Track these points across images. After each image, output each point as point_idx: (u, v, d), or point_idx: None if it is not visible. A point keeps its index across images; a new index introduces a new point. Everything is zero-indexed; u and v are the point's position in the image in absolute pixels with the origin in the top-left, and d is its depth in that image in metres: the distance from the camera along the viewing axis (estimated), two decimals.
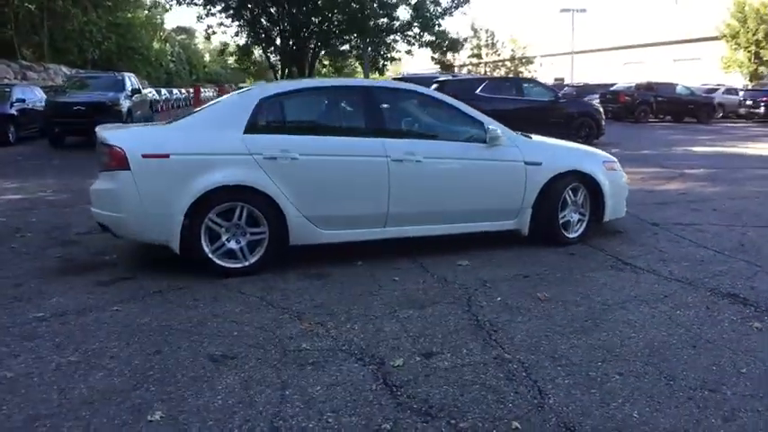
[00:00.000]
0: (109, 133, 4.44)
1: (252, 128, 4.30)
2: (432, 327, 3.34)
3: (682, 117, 23.03)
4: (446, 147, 4.68)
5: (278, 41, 14.77)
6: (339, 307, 3.65)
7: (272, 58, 16.59)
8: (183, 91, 44.30)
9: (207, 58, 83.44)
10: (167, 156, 4.12)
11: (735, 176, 9.17)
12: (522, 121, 8.65)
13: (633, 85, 23.74)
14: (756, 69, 31.09)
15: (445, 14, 12.99)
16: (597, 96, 22.48)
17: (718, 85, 28.12)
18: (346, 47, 15.03)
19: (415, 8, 12.56)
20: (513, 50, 41.91)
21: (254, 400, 2.52)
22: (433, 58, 14.14)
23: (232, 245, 4.21)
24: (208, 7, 14.52)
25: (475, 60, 45.75)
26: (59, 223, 6.05)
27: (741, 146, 14.47)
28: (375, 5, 12.32)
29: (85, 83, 15.49)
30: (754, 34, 30.49)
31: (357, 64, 17.48)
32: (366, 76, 14.79)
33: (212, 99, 9.64)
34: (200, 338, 3.17)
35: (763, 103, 22.77)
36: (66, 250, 5.01)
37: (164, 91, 34.38)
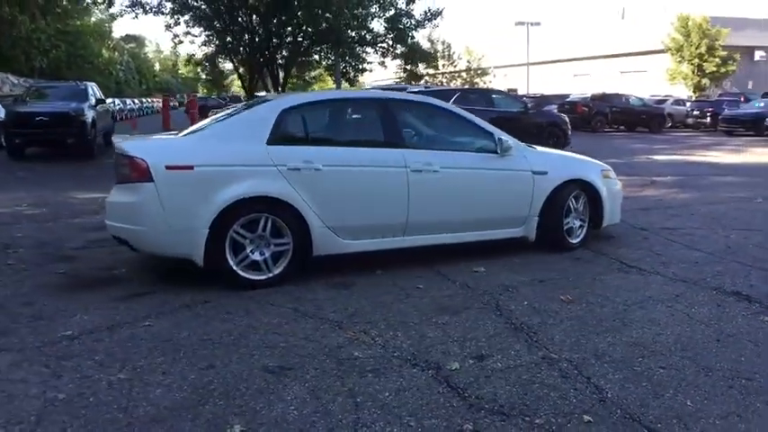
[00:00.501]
0: (129, 144, 4.37)
1: (275, 139, 4.32)
2: (472, 331, 3.45)
3: (634, 127, 24.06)
4: (461, 157, 4.81)
5: (247, 51, 14.69)
6: (374, 315, 3.71)
7: (241, 69, 16.48)
8: (137, 101, 43.23)
9: (157, 67, 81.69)
10: (191, 167, 4.09)
11: (701, 183, 9.70)
12: None
13: (589, 96, 24.65)
14: (700, 81, 32.77)
15: (418, 27, 13.27)
16: (555, 107, 23.24)
17: (667, 96, 29.53)
18: (316, 57, 15.05)
19: (390, 20, 12.74)
20: (468, 62, 42.76)
21: (328, 408, 2.55)
22: (405, 69, 14.34)
23: (256, 256, 4.21)
24: (176, 17, 14.32)
25: (431, 71, 46.50)
26: (48, 238, 5.87)
27: (698, 154, 15.26)
28: (350, 18, 12.44)
29: (46, 92, 14.93)
30: (697, 48, 32.16)
31: (326, 74, 17.51)
32: (338, 87, 14.89)
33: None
34: (249, 351, 3.17)
35: (709, 114, 24.05)
36: (68, 266, 4.87)
37: (117, 101, 33.48)
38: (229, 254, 4.11)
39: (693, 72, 32.92)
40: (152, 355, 3.12)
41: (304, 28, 12.88)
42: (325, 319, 3.63)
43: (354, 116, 4.97)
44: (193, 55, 16.20)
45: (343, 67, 13.99)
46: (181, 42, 15.98)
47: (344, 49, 13.91)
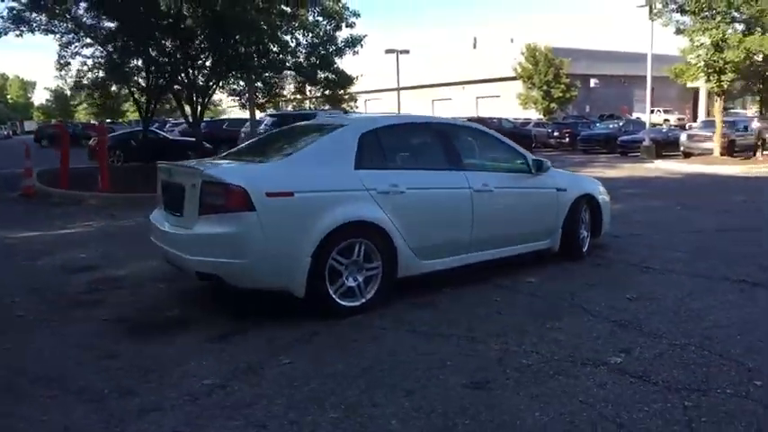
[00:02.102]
0: (219, 171, 4.15)
1: (359, 163, 4.39)
2: (591, 330, 3.88)
3: None
4: (506, 177, 5.25)
5: (153, 75, 13.92)
6: (492, 327, 3.98)
7: (137, 94, 15.52)
8: None
9: None
10: (292, 194, 4.02)
11: (615, 196, 11.06)
12: None
13: (466, 119, 26.54)
14: (549, 105, 36.69)
15: (340, 54, 13.53)
16: None
17: (526, 119, 32.68)
18: (232, 82, 14.57)
19: (313, 46, 12.81)
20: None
21: (562, 411, 2.80)
22: (324, 96, 14.50)
23: (351, 282, 4.24)
24: (71, 35, 13.14)
25: (299, 96, 46.74)
26: (32, 283, 5.39)
27: (584, 171, 17.21)
28: (266, 41, 12.38)
29: None
30: (545, 75, 36.06)
31: (229, 99, 17.02)
32: (252, 114, 14.65)
33: None
34: (427, 373, 3.24)
35: (567, 134, 27.11)
36: (102, 312, 4.47)
37: None
38: (329, 282, 4.11)
39: (543, 97, 36.76)
40: (340, 389, 3.06)
41: (216, 54, 12.54)
42: (453, 336, 3.82)
43: (420, 140, 5.14)
44: (80, 80, 14.92)
45: (256, 95, 13.77)
46: (68, 64, 14.71)
47: (254, 75, 13.77)
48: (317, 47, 12.61)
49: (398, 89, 36.94)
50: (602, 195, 6.25)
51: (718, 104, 17.94)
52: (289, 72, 14.50)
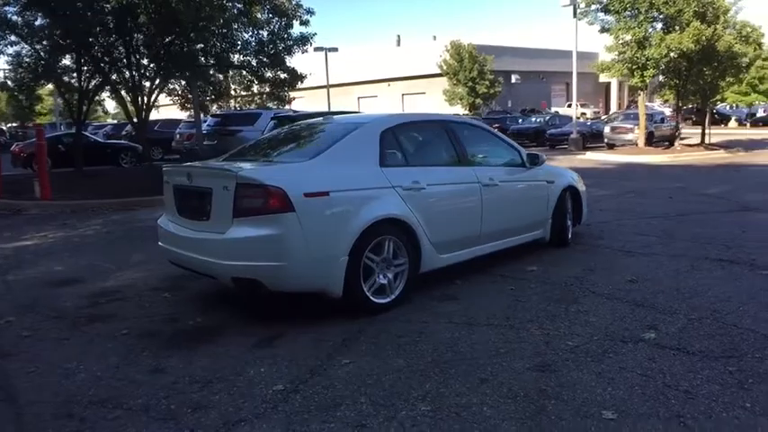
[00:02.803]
0: (255, 172, 4.07)
1: (383, 161, 4.47)
2: (612, 311, 4.19)
3: None
4: (506, 171, 5.49)
5: (90, 74, 13.15)
6: (522, 314, 4.20)
7: (67, 95, 14.61)
8: None
9: None
10: (327, 194, 4.04)
11: None
12: None
13: None
14: (474, 101, 37.83)
15: (290, 52, 13.29)
16: None
17: (455, 115, 33.46)
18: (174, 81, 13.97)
19: (262, 43, 12.48)
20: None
21: (655, 380, 3.05)
22: (272, 94, 14.19)
23: (382, 280, 4.33)
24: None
25: (244, 94, 45.40)
26: (17, 300, 5.11)
27: None
28: (219, 42, 12.03)
29: None
30: (470, 72, 37.12)
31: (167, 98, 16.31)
32: (197, 114, 14.19)
33: None
34: (491, 362, 3.42)
35: (497, 129, 28.10)
36: (118, 326, 4.29)
37: None
38: (363, 280, 4.17)
39: (468, 93, 37.84)
40: (417, 383, 3.12)
41: (163, 52, 12.05)
42: (492, 325, 4.01)
43: (432, 136, 5.24)
44: (5, 80, 13.87)
45: (201, 92, 13.28)
46: None
47: (201, 74, 13.37)
48: (266, 45, 12.36)
49: (328, 86, 36.82)
50: (581, 185, 6.66)
51: (641, 98, 19.29)
52: (237, 71, 14.15)
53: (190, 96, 14.75)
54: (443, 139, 5.14)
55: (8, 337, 4.16)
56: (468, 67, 37.31)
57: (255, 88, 13.80)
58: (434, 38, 45.29)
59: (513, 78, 42.43)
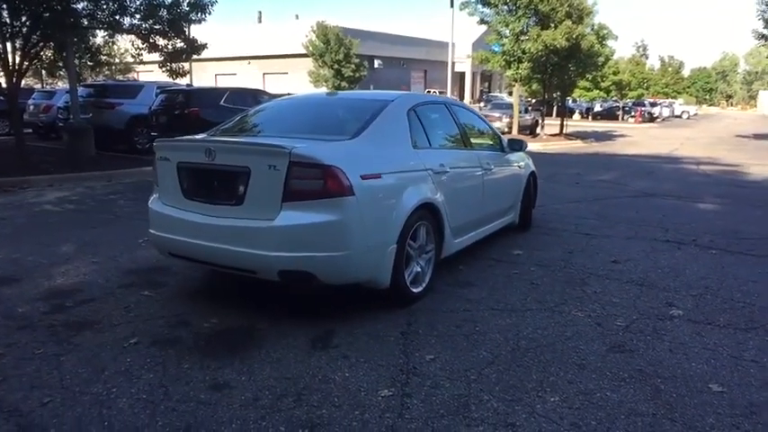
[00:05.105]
0: (312, 150, 3.57)
1: (414, 142, 4.30)
2: (624, 291, 4.51)
3: None
4: (494, 155, 5.59)
5: None
6: (552, 297, 4.36)
7: None
8: None
9: None
10: (379, 176, 3.77)
11: None
12: None
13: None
14: (340, 84, 37.81)
15: (186, 19, 11.99)
16: None
17: None
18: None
19: (152, 8, 11.01)
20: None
21: (717, 352, 3.34)
22: (166, 64, 12.69)
23: (417, 268, 4.20)
24: None
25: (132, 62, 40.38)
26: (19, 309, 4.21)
27: None
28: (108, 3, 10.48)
29: None
30: (336, 54, 36.97)
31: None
32: (73, 85, 12.42)
33: None
34: (563, 344, 3.52)
35: None
36: (116, 335, 3.69)
37: None
38: (404, 268, 4.01)
39: (334, 76, 37.73)
40: (522, 373, 3.13)
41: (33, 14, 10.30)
42: (532, 310, 4.12)
43: (441, 118, 5.05)
44: None
45: (81, 62, 11.43)
46: None
47: (74, 36, 11.72)
48: (156, 8, 11.10)
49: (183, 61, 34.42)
50: (535, 170, 7.02)
51: (516, 89, 20.73)
52: (123, 36, 12.57)
53: (60, 64, 12.86)
54: (450, 121, 5.09)
55: None
56: (335, 49, 37.15)
57: (145, 56, 12.36)
58: (297, 17, 44.40)
59: (377, 63, 43.13)
